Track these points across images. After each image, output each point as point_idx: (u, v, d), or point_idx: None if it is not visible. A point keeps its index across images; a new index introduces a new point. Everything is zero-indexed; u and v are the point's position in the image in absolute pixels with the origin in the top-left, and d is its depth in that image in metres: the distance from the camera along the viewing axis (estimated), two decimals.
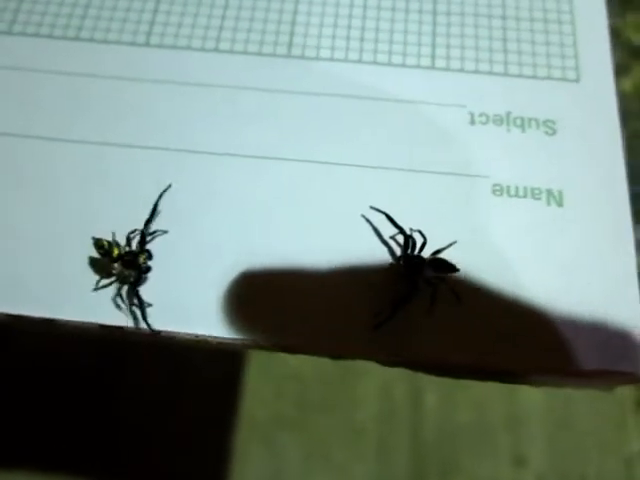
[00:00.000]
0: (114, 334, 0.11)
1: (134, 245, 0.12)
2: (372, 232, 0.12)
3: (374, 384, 0.33)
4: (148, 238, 0.12)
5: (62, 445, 0.28)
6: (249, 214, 0.12)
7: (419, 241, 0.12)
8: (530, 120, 0.13)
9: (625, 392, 0.33)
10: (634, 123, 0.40)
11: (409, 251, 0.11)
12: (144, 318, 0.11)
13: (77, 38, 0.14)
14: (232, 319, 0.11)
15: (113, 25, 0.14)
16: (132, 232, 0.12)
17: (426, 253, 0.12)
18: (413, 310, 0.11)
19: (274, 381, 0.33)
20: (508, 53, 0.14)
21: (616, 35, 0.45)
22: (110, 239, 0.12)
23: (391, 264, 0.12)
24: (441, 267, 0.11)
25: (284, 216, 0.12)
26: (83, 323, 0.11)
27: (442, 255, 0.12)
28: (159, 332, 0.11)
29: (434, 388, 0.33)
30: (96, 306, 0.11)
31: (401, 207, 0.12)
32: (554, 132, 0.13)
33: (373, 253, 0.12)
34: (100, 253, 0.11)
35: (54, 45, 0.14)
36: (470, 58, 0.14)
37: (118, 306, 0.11)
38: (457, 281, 0.12)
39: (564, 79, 0.13)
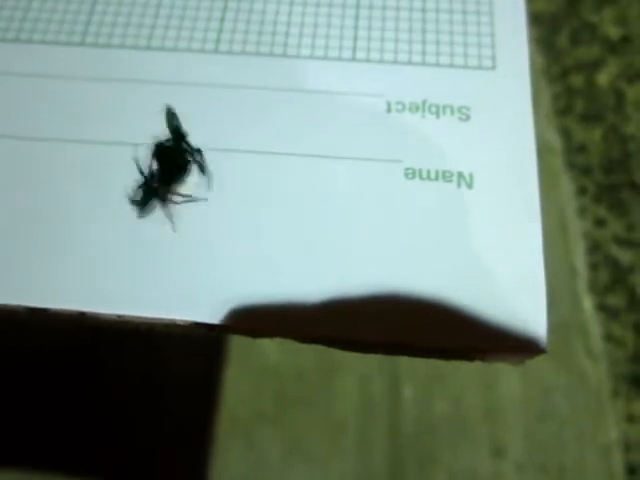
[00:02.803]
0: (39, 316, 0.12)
1: None
2: None
3: (353, 378, 0.33)
4: None
5: (35, 442, 0.29)
6: None
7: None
8: (445, 107, 0.13)
9: (602, 382, 0.33)
10: (610, 117, 0.40)
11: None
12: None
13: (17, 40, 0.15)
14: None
15: (52, 26, 0.15)
16: None
17: None
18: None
19: (253, 377, 0.33)
20: (426, 44, 0.14)
21: (592, 30, 0.45)
22: None
23: None
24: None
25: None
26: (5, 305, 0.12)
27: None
28: (83, 313, 0.12)
29: (412, 381, 0.34)
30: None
31: (316, 189, 0.13)
32: (468, 118, 0.13)
33: None
34: None
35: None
36: (389, 50, 0.14)
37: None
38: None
39: (480, 67, 0.14)
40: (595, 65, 0.41)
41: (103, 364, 0.31)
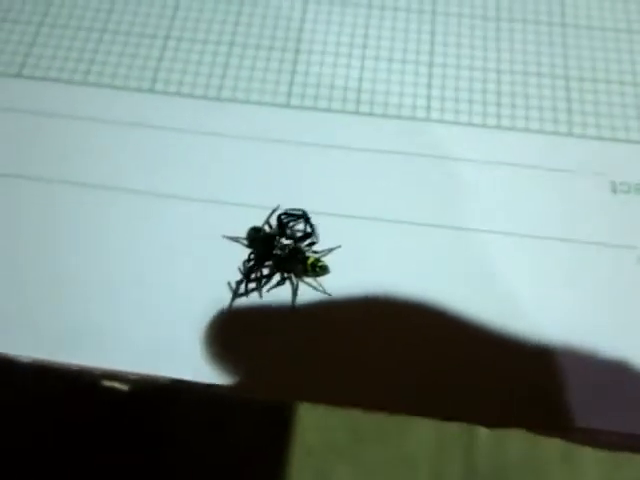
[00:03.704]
0: None
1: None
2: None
3: None
4: None
5: None
6: None
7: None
8: None
9: None
10: None
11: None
12: None
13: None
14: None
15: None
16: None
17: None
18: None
19: (326, 410, 0.33)
20: None
21: None
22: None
23: None
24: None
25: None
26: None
27: None
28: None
29: None
30: None
31: (547, 274, 0.12)
32: None
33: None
34: None
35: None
36: (605, 125, 0.14)
37: None
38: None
39: None
40: None
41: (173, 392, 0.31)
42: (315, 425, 0.32)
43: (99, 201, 0.13)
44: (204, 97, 0.14)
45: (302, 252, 0.13)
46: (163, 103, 0.14)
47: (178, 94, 0.14)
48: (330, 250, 0.13)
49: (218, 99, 0.14)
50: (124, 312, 0.12)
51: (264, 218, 0.13)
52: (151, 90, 0.14)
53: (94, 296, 0.12)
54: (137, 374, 0.12)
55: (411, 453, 0.32)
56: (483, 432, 0.33)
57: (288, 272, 0.12)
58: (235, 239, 0.13)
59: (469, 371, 0.12)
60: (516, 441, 0.33)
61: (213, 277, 0.12)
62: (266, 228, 0.13)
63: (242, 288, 0.12)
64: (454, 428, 0.33)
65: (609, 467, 0.33)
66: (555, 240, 0.13)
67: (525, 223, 0.13)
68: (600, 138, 0.14)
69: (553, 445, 0.33)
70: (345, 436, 0.32)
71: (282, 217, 0.13)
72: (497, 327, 0.12)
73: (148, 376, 0.12)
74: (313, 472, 0.31)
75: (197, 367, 0.12)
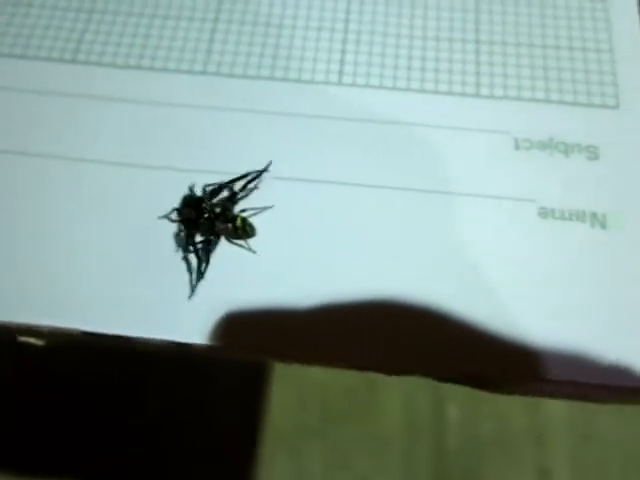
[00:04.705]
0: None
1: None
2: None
3: (397, 395, 0.33)
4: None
5: (87, 459, 0.29)
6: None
7: None
8: (573, 146, 0.13)
9: None
10: None
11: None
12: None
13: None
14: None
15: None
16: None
17: None
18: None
19: (298, 390, 0.33)
20: (549, 80, 0.14)
21: None
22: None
23: None
24: None
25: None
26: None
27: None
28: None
29: (457, 399, 0.33)
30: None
31: (449, 229, 0.13)
32: (596, 157, 0.13)
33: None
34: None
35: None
36: (513, 86, 0.14)
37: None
38: None
39: (604, 105, 0.14)
40: None
41: (148, 379, 0.31)
42: (287, 407, 0.33)
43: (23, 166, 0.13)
44: (125, 66, 0.15)
45: (231, 211, 0.13)
46: (85, 72, 0.15)
47: (99, 64, 0.15)
48: (264, 208, 0.13)
49: (138, 67, 0.15)
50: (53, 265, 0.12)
51: (187, 183, 0.13)
52: (73, 60, 0.15)
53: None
54: (51, 327, 0.12)
55: (382, 432, 0.33)
56: (453, 410, 0.33)
57: (217, 234, 0.13)
58: (167, 217, 0.13)
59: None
60: (486, 419, 0.34)
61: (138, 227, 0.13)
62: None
63: (190, 260, 0.13)
64: (425, 407, 0.33)
65: (579, 443, 0.33)
66: (460, 195, 0.13)
67: (433, 180, 0.13)
68: (506, 98, 0.14)
69: (524, 422, 0.33)
70: (316, 416, 0.33)
71: (205, 187, 0.13)
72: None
73: (62, 329, 0.12)
74: (286, 453, 0.32)
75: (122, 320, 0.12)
